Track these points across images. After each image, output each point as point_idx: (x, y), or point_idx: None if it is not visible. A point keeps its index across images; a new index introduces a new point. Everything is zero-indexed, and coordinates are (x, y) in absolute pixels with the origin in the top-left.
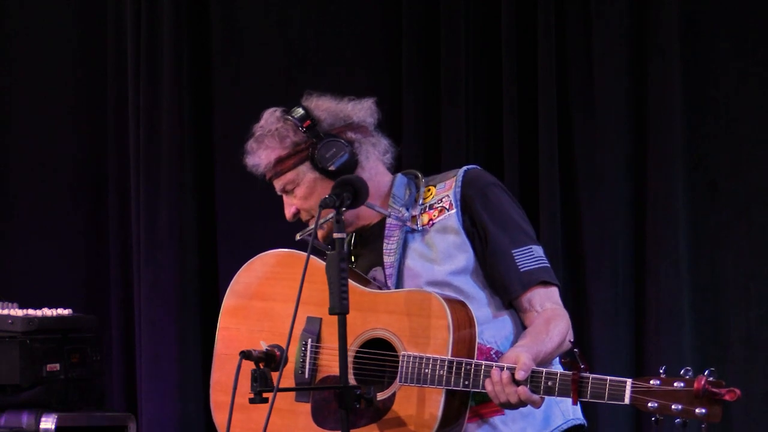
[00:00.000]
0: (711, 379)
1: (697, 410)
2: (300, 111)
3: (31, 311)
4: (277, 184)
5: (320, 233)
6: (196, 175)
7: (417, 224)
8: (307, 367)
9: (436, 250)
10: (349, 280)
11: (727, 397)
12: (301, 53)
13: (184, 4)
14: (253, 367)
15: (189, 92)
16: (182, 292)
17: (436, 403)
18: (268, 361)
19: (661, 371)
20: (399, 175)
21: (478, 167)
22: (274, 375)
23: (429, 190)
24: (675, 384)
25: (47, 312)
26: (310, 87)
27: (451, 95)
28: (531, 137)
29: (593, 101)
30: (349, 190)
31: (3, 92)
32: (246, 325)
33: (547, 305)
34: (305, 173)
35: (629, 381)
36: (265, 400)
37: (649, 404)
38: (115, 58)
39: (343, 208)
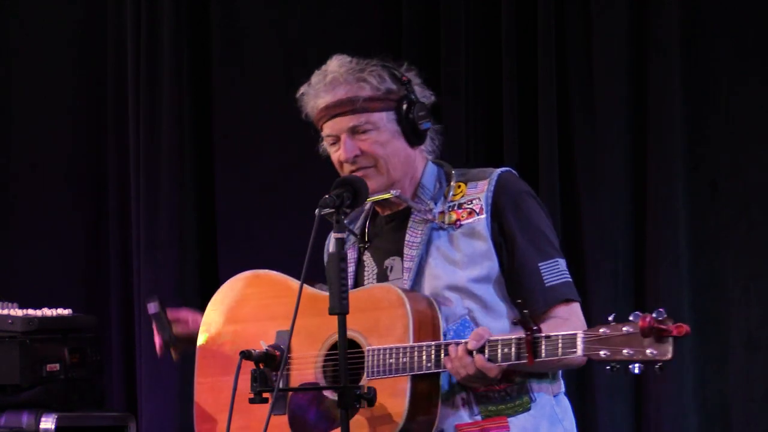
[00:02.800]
0: (658, 318)
1: (648, 351)
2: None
3: (31, 311)
4: (347, 122)
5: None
6: (196, 175)
7: (444, 221)
8: (281, 378)
9: (461, 254)
10: (311, 288)
11: (674, 332)
12: (301, 53)
13: (184, 4)
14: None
15: (189, 92)
16: (182, 292)
17: (402, 391)
18: (268, 361)
19: (610, 318)
20: (429, 162)
21: (512, 171)
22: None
23: (459, 187)
24: (624, 329)
25: (47, 312)
26: None
27: (451, 95)
28: (531, 137)
29: (593, 101)
30: (348, 189)
31: (3, 92)
32: (221, 359)
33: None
34: (388, 121)
35: (580, 332)
36: (265, 400)
37: (602, 352)
38: (115, 58)
39: (343, 208)
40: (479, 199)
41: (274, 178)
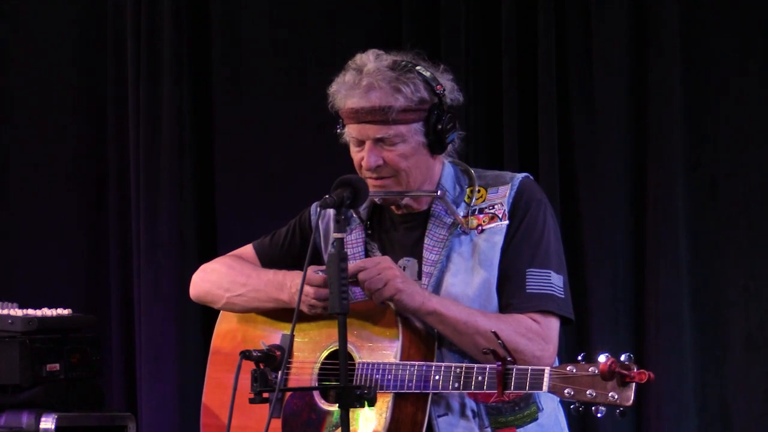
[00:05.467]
0: (624, 362)
1: (610, 394)
2: (429, 73)
3: (31, 311)
4: (376, 132)
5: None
6: (196, 176)
7: (466, 226)
8: (280, 380)
9: (483, 260)
10: None
11: (636, 378)
12: (301, 53)
13: (184, 4)
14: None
15: (189, 92)
16: (182, 292)
17: (385, 409)
18: (268, 361)
19: (579, 357)
20: (446, 163)
21: (532, 178)
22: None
23: (479, 191)
24: (590, 369)
25: (47, 312)
26: (311, 87)
27: None
28: (531, 137)
29: (593, 101)
30: (348, 189)
31: (3, 92)
32: (230, 357)
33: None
34: (415, 133)
35: (547, 369)
36: (265, 400)
37: (566, 391)
38: (115, 58)
39: (343, 208)
40: (502, 204)
41: (274, 178)
